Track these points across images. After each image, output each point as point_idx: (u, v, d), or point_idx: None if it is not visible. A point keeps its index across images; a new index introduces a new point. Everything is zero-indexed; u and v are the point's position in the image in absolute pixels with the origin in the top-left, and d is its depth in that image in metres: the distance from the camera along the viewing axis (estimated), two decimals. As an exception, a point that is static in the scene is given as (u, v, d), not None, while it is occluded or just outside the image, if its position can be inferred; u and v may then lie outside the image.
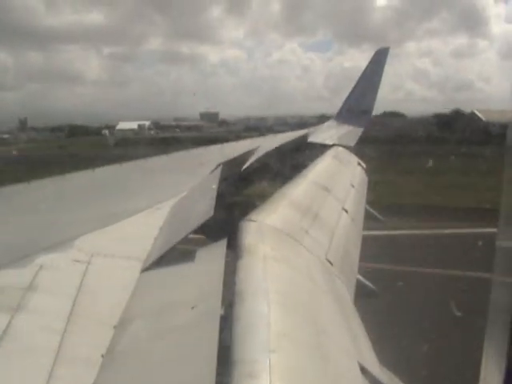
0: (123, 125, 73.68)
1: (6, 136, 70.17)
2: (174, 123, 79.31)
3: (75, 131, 69.03)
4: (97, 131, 68.99)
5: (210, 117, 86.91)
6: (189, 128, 71.95)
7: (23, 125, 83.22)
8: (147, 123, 76.93)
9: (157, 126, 76.89)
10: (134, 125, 73.35)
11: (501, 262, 2.10)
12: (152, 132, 70.50)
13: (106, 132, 69.83)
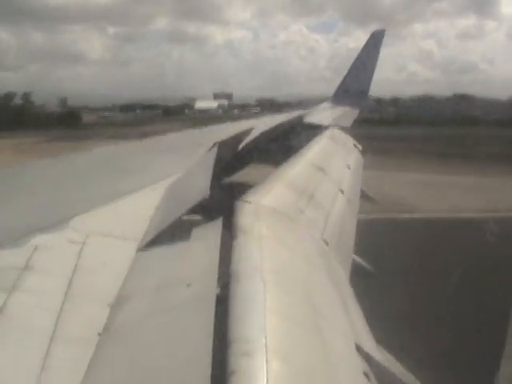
0: (201, 104, 74.64)
1: (106, 114, 73.00)
2: (239, 103, 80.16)
3: (169, 111, 74.85)
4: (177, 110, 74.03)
5: (225, 97, 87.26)
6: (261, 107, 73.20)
7: (63, 103, 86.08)
8: (226, 102, 77.29)
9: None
10: (212, 103, 73.99)
11: None
12: (235, 111, 70.79)
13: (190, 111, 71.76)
